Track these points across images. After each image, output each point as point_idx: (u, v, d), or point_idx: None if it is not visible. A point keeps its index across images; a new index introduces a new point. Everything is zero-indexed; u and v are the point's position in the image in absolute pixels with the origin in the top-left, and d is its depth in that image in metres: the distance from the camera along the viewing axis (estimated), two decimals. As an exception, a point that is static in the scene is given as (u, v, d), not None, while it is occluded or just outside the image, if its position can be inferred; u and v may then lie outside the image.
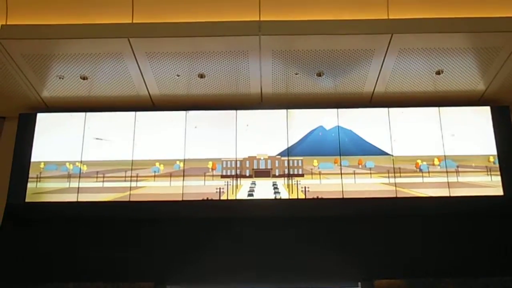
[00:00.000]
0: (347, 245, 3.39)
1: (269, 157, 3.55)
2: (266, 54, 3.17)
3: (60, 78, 3.38)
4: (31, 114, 3.68)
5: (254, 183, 3.50)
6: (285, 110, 3.66)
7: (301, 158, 3.54)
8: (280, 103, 3.68)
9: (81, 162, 3.55)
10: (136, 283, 3.25)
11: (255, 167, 3.53)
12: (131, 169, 3.51)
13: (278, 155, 3.56)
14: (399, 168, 3.49)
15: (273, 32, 3.03)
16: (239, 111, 3.65)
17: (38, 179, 3.51)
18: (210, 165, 3.53)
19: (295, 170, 3.51)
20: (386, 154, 3.54)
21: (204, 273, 3.33)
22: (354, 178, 3.48)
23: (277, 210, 3.43)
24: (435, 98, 3.65)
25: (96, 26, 3.04)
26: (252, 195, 3.46)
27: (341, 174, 3.49)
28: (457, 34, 3.03)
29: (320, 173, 3.50)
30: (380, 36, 3.05)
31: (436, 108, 3.63)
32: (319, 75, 3.40)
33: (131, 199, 3.45)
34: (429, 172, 3.49)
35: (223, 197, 3.44)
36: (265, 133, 3.60)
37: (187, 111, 3.65)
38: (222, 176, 3.50)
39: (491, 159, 3.51)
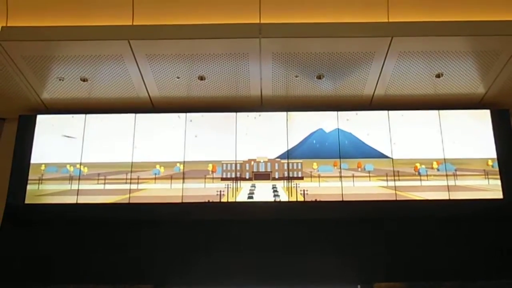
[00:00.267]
0: (346, 248, 3.39)
1: (269, 160, 3.55)
2: (266, 56, 3.17)
3: (60, 79, 3.38)
4: (31, 116, 3.68)
5: (254, 185, 3.50)
6: (285, 113, 3.66)
7: (300, 161, 3.54)
8: (280, 106, 3.68)
9: (80, 164, 3.55)
10: (136, 285, 3.24)
11: (255, 169, 3.53)
12: (131, 171, 3.51)
13: (278, 157, 3.56)
14: (398, 171, 3.49)
15: (274, 35, 3.03)
16: (239, 114, 3.65)
17: (40, 181, 3.51)
18: (210, 167, 3.53)
19: (295, 173, 3.52)
20: (386, 157, 3.54)
21: (203, 275, 3.33)
22: (353, 181, 3.48)
23: (276, 212, 3.43)
24: (435, 101, 3.66)
25: (96, 28, 3.04)
26: (252, 197, 3.46)
27: (341, 177, 3.49)
28: (457, 37, 3.03)
29: (319, 176, 3.50)
30: (380, 39, 3.05)
31: (436, 111, 3.64)
32: (319, 77, 3.40)
33: (132, 202, 3.45)
34: (427, 175, 3.49)
35: (224, 200, 3.44)
36: (265, 135, 3.60)
37: (186, 114, 3.65)
38: (222, 179, 3.50)
39: (490, 162, 3.51)
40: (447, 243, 3.40)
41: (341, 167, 3.52)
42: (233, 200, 3.45)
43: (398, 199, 3.42)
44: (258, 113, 3.65)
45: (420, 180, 3.48)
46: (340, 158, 3.54)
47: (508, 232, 3.43)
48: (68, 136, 3.50)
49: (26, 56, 3.14)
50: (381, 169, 3.51)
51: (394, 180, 3.47)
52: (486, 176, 3.46)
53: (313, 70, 3.32)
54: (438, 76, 3.38)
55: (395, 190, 3.44)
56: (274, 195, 3.46)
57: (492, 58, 3.19)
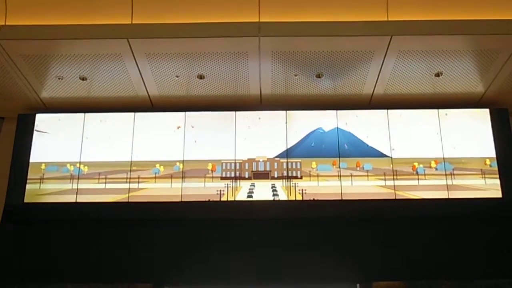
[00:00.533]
0: (345, 247, 3.39)
1: (268, 159, 3.55)
2: (266, 55, 3.17)
3: (59, 78, 3.38)
4: (30, 115, 3.67)
5: (253, 184, 3.50)
6: (284, 112, 3.66)
7: (299, 160, 3.54)
8: (280, 105, 3.68)
9: (79, 162, 3.55)
10: (134, 284, 3.25)
11: (254, 169, 3.53)
12: (130, 170, 3.51)
13: (277, 156, 3.56)
14: (396, 170, 3.49)
15: (273, 33, 3.03)
16: (238, 112, 3.64)
17: (42, 181, 3.50)
18: (209, 166, 3.53)
19: (294, 172, 3.51)
20: (385, 156, 3.54)
21: (202, 274, 3.33)
22: (351, 180, 3.48)
23: (275, 211, 3.42)
24: (434, 100, 3.66)
25: (95, 27, 3.04)
26: (251, 196, 3.46)
27: (340, 176, 3.49)
28: (456, 36, 3.03)
29: (318, 175, 3.50)
30: (380, 38, 3.05)
31: (435, 110, 3.64)
32: (318, 76, 3.40)
33: (132, 201, 3.44)
34: (425, 174, 3.49)
35: (223, 199, 3.44)
36: (264, 134, 3.60)
37: (185, 112, 3.65)
38: (222, 178, 3.50)
39: (488, 162, 3.51)
40: (446, 242, 3.40)
41: (340, 166, 3.52)
42: (233, 199, 3.45)
43: (397, 198, 3.41)
44: (257, 113, 3.64)
45: (418, 179, 3.47)
46: (339, 157, 3.54)
47: (508, 231, 3.43)
48: (40, 131, 3.48)
49: (25, 55, 3.13)
50: (379, 169, 3.51)
51: (393, 179, 3.47)
52: (483, 176, 3.46)
53: (313, 69, 3.32)
54: (437, 75, 3.38)
55: (394, 189, 3.44)
56: (273, 194, 3.46)
57: (492, 57, 3.19)
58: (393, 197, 3.42)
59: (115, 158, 3.55)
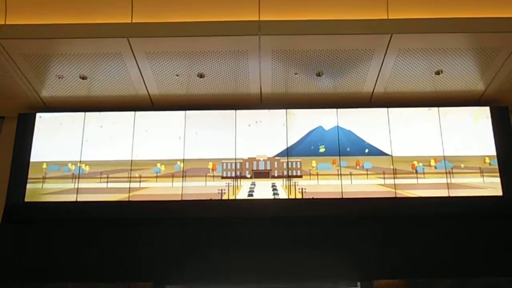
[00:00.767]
0: (346, 245, 3.40)
1: (268, 158, 3.56)
2: (266, 54, 3.17)
3: (59, 77, 3.38)
4: (30, 114, 3.67)
5: (254, 183, 3.50)
6: (284, 110, 3.66)
7: (299, 159, 3.54)
8: (280, 103, 3.68)
9: (80, 161, 3.55)
10: (135, 283, 3.25)
11: (254, 168, 3.53)
12: (131, 170, 3.51)
13: (277, 155, 3.56)
14: (395, 169, 3.49)
15: (273, 32, 3.02)
16: (238, 111, 3.64)
17: (44, 180, 3.50)
18: (210, 165, 3.53)
19: (294, 171, 3.52)
20: (385, 154, 3.54)
21: (203, 273, 3.34)
22: (351, 179, 3.48)
23: (276, 210, 3.43)
24: (434, 98, 3.66)
25: (95, 26, 3.03)
26: (252, 195, 3.46)
27: (340, 175, 3.49)
28: (457, 34, 3.02)
29: (317, 174, 3.50)
30: (380, 36, 3.05)
31: (435, 108, 3.63)
32: (318, 75, 3.40)
33: (133, 200, 3.45)
34: (424, 173, 3.49)
35: (225, 197, 3.45)
36: (264, 133, 3.60)
37: (186, 111, 3.65)
38: (223, 177, 3.50)
39: (487, 160, 3.51)
40: (446, 240, 3.41)
41: (340, 165, 3.52)
42: (234, 198, 3.45)
43: (396, 196, 3.41)
44: (257, 112, 3.64)
45: (417, 178, 3.47)
46: (339, 155, 3.54)
47: (508, 229, 3.43)
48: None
49: (25, 54, 3.13)
50: (379, 167, 3.51)
51: (394, 178, 3.47)
52: (482, 174, 3.46)
53: (313, 67, 3.32)
54: (437, 73, 3.38)
55: (394, 188, 3.44)
56: (274, 193, 3.47)
57: (492, 55, 3.18)
58: (393, 196, 3.42)
59: (116, 157, 3.55)
